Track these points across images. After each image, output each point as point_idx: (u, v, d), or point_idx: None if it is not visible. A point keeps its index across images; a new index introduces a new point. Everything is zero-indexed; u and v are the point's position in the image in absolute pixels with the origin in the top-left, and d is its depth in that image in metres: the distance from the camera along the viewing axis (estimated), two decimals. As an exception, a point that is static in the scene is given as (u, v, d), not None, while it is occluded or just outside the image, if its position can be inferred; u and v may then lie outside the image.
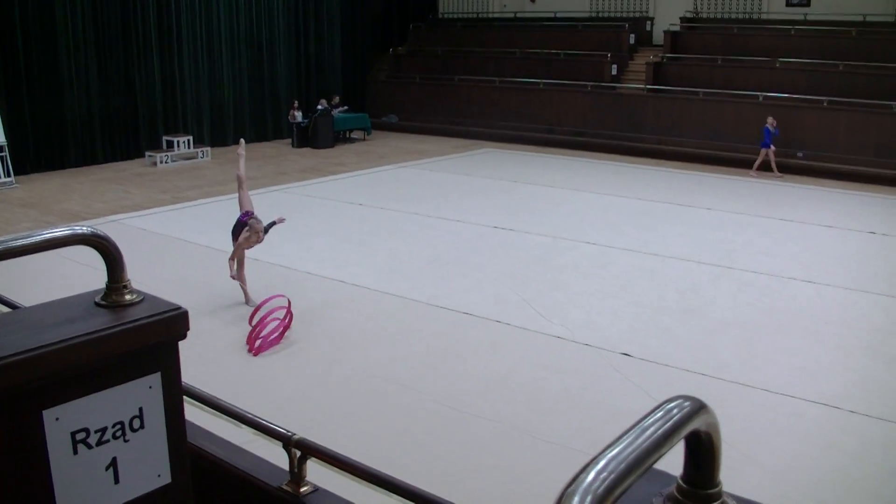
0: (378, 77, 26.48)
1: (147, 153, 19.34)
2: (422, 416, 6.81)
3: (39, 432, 1.72)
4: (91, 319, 1.84)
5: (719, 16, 22.28)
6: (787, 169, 17.61)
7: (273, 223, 9.33)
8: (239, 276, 9.34)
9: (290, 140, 22.09)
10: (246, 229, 9.07)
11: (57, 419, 1.75)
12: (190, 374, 2.46)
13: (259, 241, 9.17)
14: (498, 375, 7.62)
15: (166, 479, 1.99)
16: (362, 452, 3.47)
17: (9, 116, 16.84)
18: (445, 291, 9.93)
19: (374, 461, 2.78)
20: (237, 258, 9.27)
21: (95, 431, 1.82)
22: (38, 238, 1.85)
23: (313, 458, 2.70)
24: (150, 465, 1.95)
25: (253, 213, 9.25)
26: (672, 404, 1.11)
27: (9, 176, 16.41)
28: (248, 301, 9.30)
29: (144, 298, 1.96)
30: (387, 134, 23.75)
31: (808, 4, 20.75)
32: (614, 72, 22.19)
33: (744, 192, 15.81)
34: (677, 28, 22.14)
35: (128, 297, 1.94)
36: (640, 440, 1.02)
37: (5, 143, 16.25)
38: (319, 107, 21.64)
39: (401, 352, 8.19)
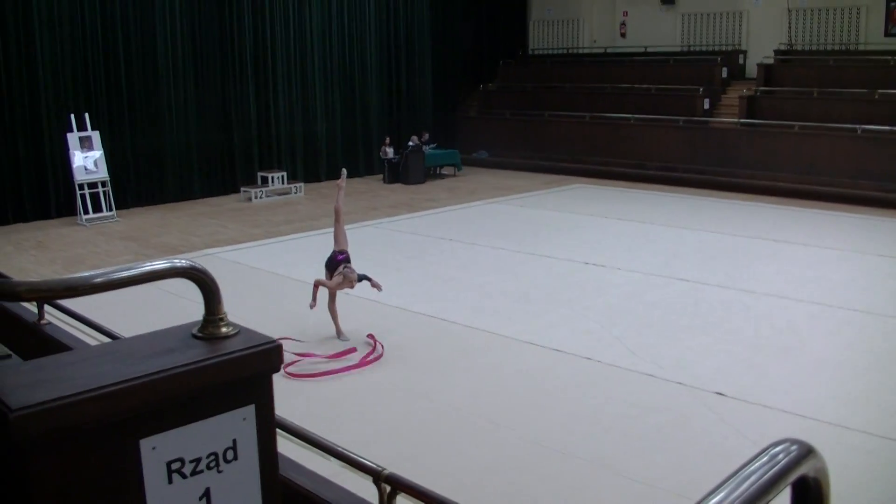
0: (468, 113, 26.63)
1: (242, 188, 19.77)
2: (510, 453, 6.76)
3: (136, 461, 1.75)
4: (188, 351, 1.87)
5: (814, 48, 21.86)
6: (886, 204, 17.10)
7: (369, 279, 9.41)
8: (331, 309, 9.43)
9: (381, 176, 22.32)
10: (338, 274, 9.18)
11: (153, 448, 1.77)
12: (278, 406, 2.48)
13: (351, 287, 9.28)
14: (587, 413, 7.52)
15: (258, 510, 2.00)
16: (449, 488, 3.44)
17: (111, 151, 17.41)
18: (534, 327, 9.87)
19: (460, 497, 2.76)
20: (329, 294, 9.37)
21: (190, 461, 1.84)
22: (140, 271, 1.89)
23: (403, 494, 2.70)
24: (242, 496, 1.96)
25: (347, 254, 9.36)
26: (778, 448, 1.07)
27: (111, 210, 16.95)
28: (339, 335, 9.39)
29: (240, 331, 1.99)
30: (477, 170, 23.83)
31: (908, 35, 20.24)
32: (706, 106, 21.91)
33: (841, 227, 15.39)
34: (771, 61, 21.78)
35: (224, 329, 1.97)
36: (744, 486, 0.98)
37: (108, 179, 16.79)
38: (411, 143, 21.85)
39: (489, 387, 8.15)
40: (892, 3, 20.43)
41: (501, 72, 27.23)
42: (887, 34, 20.62)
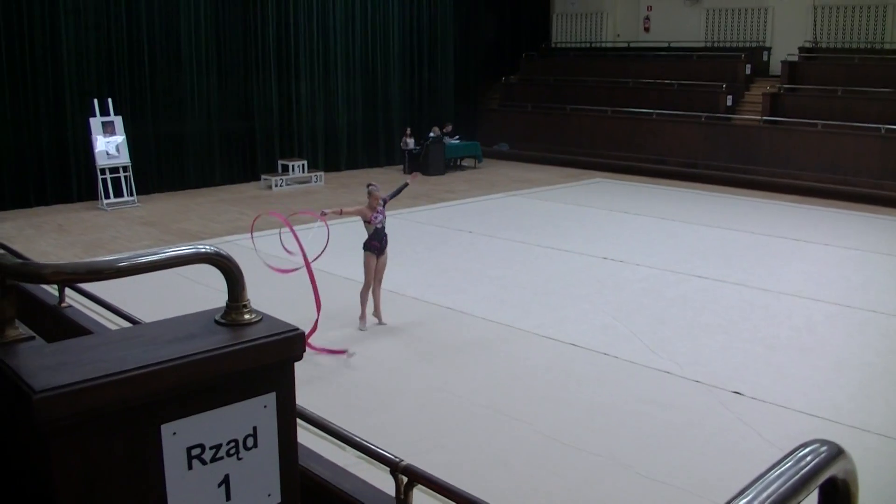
0: (490, 105, 26.60)
1: (263, 176, 19.82)
2: (525, 447, 6.75)
3: (157, 446, 1.75)
4: (211, 337, 1.87)
5: (839, 45, 21.69)
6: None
7: (403, 186, 9.91)
8: (363, 295, 9.55)
9: (401, 167, 22.31)
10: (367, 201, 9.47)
11: (174, 434, 1.78)
12: (299, 396, 2.49)
13: (375, 208, 9.43)
14: (603, 408, 7.51)
15: (276, 498, 2.00)
16: (464, 481, 3.44)
17: (134, 137, 17.47)
18: (552, 321, 9.85)
19: (476, 490, 2.76)
20: (366, 280, 9.47)
21: (210, 448, 1.84)
22: (164, 256, 1.90)
23: (420, 486, 2.70)
24: (261, 483, 1.97)
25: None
26: (806, 450, 1.06)
27: (132, 195, 17.02)
28: (361, 324, 9.47)
29: (263, 318, 1.99)
30: (497, 162, 23.80)
31: (935, 35, 20.05)
32: (729, 102, 21.80)
33: (863, 227, 15.28)
34: (795, 58, 21.64)
35: (247, 316, 1.97)
36: (772, 488, 0.98)
37: (129, 164, 16.86)
38: (432, 134, 21.82)
39: (505, 380, 8.15)
40: (920, 3, 20.26)
41: (523, 65, 27.18)
42: (913, 33, 20.45)
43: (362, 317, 9.54)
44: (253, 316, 1.97)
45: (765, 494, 0.97)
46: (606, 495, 6.03)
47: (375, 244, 9.46)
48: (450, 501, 2.63)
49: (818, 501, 1.12)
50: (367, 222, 9.49)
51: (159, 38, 18.21)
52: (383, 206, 9.53)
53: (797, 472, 1.01)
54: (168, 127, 18.61)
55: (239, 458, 1.90)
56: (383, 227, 9.52)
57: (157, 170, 18.57)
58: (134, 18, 17.79)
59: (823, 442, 1.07)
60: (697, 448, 6.68)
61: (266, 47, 20.31)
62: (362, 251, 9.57)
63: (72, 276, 1.96)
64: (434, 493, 2.68)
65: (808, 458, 1.04)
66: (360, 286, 9.66)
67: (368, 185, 9.68)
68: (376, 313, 9.67)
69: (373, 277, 9.47)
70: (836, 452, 1.06)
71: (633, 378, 8.20)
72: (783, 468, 1.02)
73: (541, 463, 6.49)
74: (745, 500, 0.96)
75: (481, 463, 6.42)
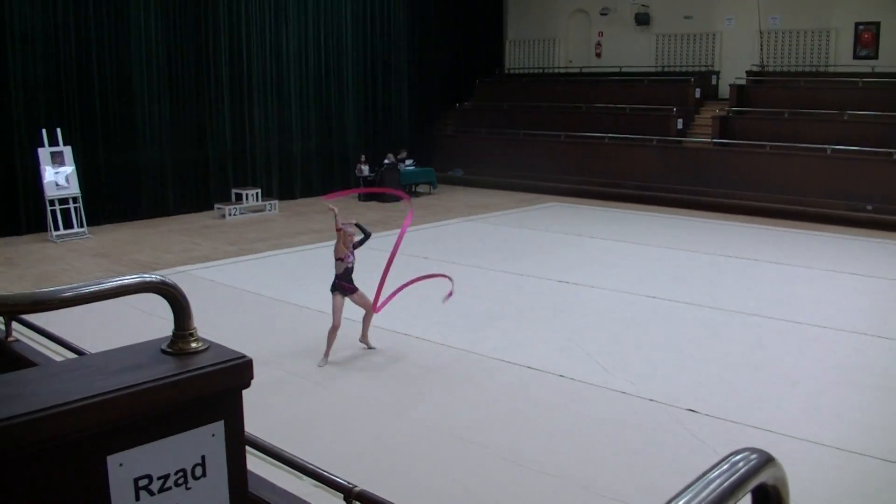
0: (444, 131, 26.70)
1: (216, 205, 19.69)
2: (483, 471, 6.75)
3: (103, 478, 1.74)
4: (157, 366, 1.87)
5: (785, 69, 22.11)
6: (855, 222, 17.30)
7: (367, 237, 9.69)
8: (330, 335, 9.28)
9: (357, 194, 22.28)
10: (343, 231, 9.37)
11: (121, 465, 1.76)
12: (250, 423, 2.47)
13: (348, 241, 9.34)
14: (561, 430, 7.53)
15: (227, 528, 1.99)
16: (423, 505, 3.44)
17: (84, 168, 17.30)
18: (508, 345, 9.88)
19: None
20: (335, 316, 9.28)
21: (158, 478, 1.83)
22: (109, 285, 1.89)
23: (373, 511, 2.69)
24: (211, 513, 1.95)
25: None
26: (738, 457, 1.09)
27: (82, 226, 16.81)
28: (323, 359, 9.25)
29: (210, 347, 1.98)
30: (453, 188, 23.88)
31: (876, 57, 20.50)
32: (680, 126, 22.11)
33: (811, 245, 15.54)
34: (743, 81, 22.01)
35: (194, 344, 1.96)
36: (705, 493, 1.00)
37: (79, 195, 16.67)
38: (386, 161, 21.85)
39: (462, 405, 8.15)
40: (861, 27, 20.72)
41: (478, 90, 27.36)
42: (856, 56, 20.90)
43: (326, 354, 9.28)
44: (200, 344, 1.97)
45: (699, 498, 0.99)
46: (564, 517, 6.04)
47: (345, 285, 9.31)
48: (404, 526, 2.63)
49: (751, 507, 1.14)
50: (339, 259, 9.33)
51: (110, 66, 18.07)
52: (353, 251, 9.41)
53: (729, 478, 1.04)
54: (119, 156, 18.42)
55: (187, 488, 1.89)
56: (352, 268, 9.40)
57: (108, 200, 18.34)
58: (84, 47, 17.64)
59: (754, 450, 1.10)
60: (654, 466, 6.72)
61: (219, 75, 20.25)
62: (330, 293, 9.38)
63: (15, 308, 1.94)
64: (388, 519, 2.67)
65: (740, 465, 1.06)
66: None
67: (338, 226, 9.54)
68: (364, 339, 9.64)
69: (340, 317, 9.29)
70: (766, 460, 1.09)
71: (589, 399, 8.24)
72: (716, 473, 1.05)
73: (499, 486, 6.49)
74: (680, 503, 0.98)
75: (439, 488, 6.41)
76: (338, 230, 9.43)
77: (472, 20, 27.47)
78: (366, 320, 9.60)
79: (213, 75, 20.14)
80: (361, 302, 9.44)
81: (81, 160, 17.21)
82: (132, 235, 17.10)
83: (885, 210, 17.34)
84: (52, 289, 1.83)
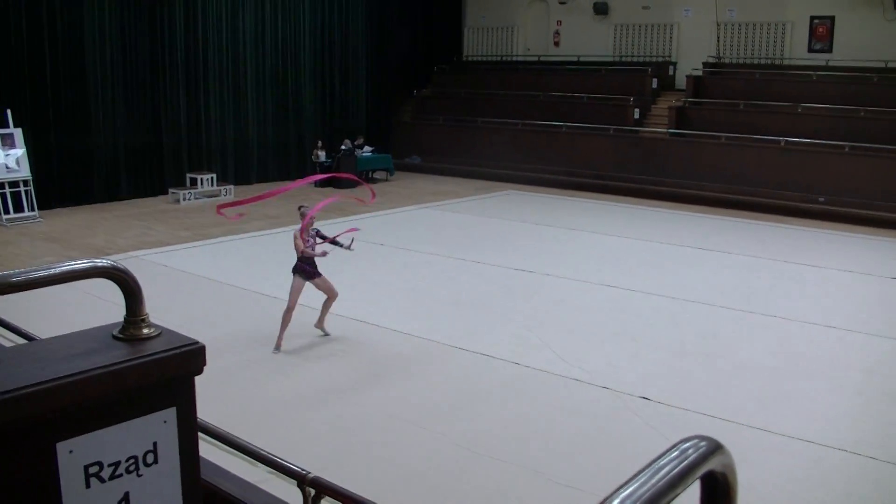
0: (402, 118, 26.66)
1: (171, 190, 19.49)
2: (438, 457, 6.77)
3: (53, 465, 1.71)
4: (108, 352, 1.84)
5: (742, 61, 22.32)
6: (808, 214, 17.56)
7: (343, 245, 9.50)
8: (284, 317, 9.23)
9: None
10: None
11: (71, 452, 1.74)
12: (205, 411, 2.46)
13: (308, 225, 9.18)
14: (515, 417, 7.57)
15: (178, 515, 1.98)
16: (377, 493, 3.44)
17: (35, 151, 17.01)
18: (464, 332, 9.90)
19: (387, 501, 2.76)
20: (290, 302, 9.22)
21: (109, 465, 1.81)
22: (59, 270, 1.86)
23: (328, 498, 2.69)
24: (162, 501, 1.94)
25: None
26: (688, 444, 1.10)
27: (33, 210, 16.56)
28: (277, 346, 9.20)
29: (162, 332, 1.96)
30: (410, 175, 23.86)
31: (830, 50, 20.77)
32: (637, 115, 22.25)
33: (764, 236, 15.74)
34: (700, 73, 22.20)
35: (145, 330, 1.94)
36: (654, 479, 1.01)
37: (30, 178, 16.41)
38: (343, 147, 21.76)
39: (418, 392, 8.16)
40: (816, 21, 20.98)
41: (436, 78, 27.33)
42: (811, 50, 21.17)
43: (279, 342, 9.22)
44: (152, 330, 1.94)
45: (648, 485, 1.00)
46: (518, 502, 6.08)
47: (307, 268, 9.26)
48: (358, 513, 2.63)
49: (700, 493, 1.16)
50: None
51: (62, 49, 17.76)
52: (314, 239, 9.28)
53: (679, 465, 1.05)
54: (72, 140, 18.14)
55: (139, 475, 1.87)
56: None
57: (60, 184, 18.06)
58: (36, 29, 17.30)
59: (703, 437, 1.11)
60: (607, 453, 6.78)
61: (174, 59, 20.00)
62: (292, 275, 9.32)
63: (-38, 293, 1.90)
64: (342, 505, 2.67)
65: (690, 452, 1.08)
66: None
67: (300, 208, 9.45)
68: (319, 324, 9.56)
69: (296, 301, 9.24)
70: (715, 447, 1.10)
71: (544, 387, 8.29)
72: (665, 460, 1.06)
73: (453, 472, 6.51)
74: (629, 490, 0.99)
75: (394, 474, 6.42)
76: (302, 217, 9.28)
77: (430, 7, 27.44)
78: (325, 306, 9.52)
79: (169, 59, 19.89)
80: (324, 287, 9.39)
81: (33, 143, 16.91)
82: (85, 220, 16.87)
83: (837, 202, 17.62)
84: (1, 273, 1.80)
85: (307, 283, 9.28)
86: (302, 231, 9.18)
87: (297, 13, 22.91)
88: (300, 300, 9.28)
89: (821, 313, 10.75)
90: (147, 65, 19.44)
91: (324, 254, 9.30)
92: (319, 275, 9.36)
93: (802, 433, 7.17)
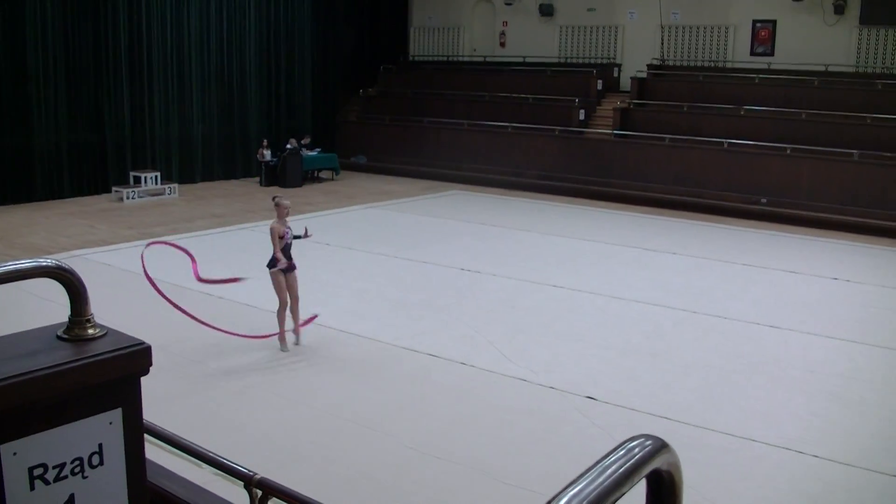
0: (348, 118, 26.56)
1: (114, 188, 19.22)
2: (385, 458, 6.77)
3: (-4, 467, 1.70)
4: (53, 353, 1.82)
5: (686, 63, 22.60)
6: (751, 215, 17.85)
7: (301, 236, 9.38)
8: (279, 316, 9.16)
9: (258, 178, 22.03)
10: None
11: (15, 454, 1.72)
12: (151, 412, 2.44)
13: (284, 220, 9.13)
14: (462, 417, 7.59)
15: (125, 517, 1.96)
16: (324, 494, 3.43)
17: (-27, 148, 16.69)
18: (411, 333, 9.90)
19: (335, 502, 2.76)
20: (280, 300, 9.13)
21: (54, 467, 1.79)
22: (2, 269, 1.83)
23: (275, 499, 2.68)
24: (108, 503, 1.92)
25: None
26: (633, 443, 1.12)
27: (-28, 208, 16.24)
28: (281, 344, 9.16)
29: (107, 333, 1.94)
30: (355, 174, 23.79)
31: (772, 54, 21.11)
32: (582, 117, 22.41)
33: (708, 237, 15.97)
34: (644, 75, 22.43)
35: (91, 331, 1.92)
36: (601, 478, 1.03)
37: (-31, 176, 16.09)
38: (288, 146, 21.63)
39: (365, 393, 8.15)
40: (758, 24, 21.31)
41: (382, 77, 27.26)
42: (753, 53, 21.49)
43: (282, 337, 9.18)
44: (97, 331, 1.93)
45: (595, 484, 1.02)
46: (466, 502, 6.10)
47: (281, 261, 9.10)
48: (306, 514, 2.62)
49: (646, 491, 1.18)
50: (280, 237, 9.07)
51: (2, 44, 17.42)
52: (290, 230, 9.19)
53: (625, 464, 1.07)
54: (12, 138, 17.80)
55: (84, 477, 1.86)
56: (290, 245, 9.21)
57: (0, 181, 17.73)
58: (-26, 26, 16.99)
59: (648, 436, 1.13)
60: (554, 453, 6.83)
61: (118, 56, 19.70)
62: (268, 270, 9.18)
63: None
64: (290, 506, 2.66)
65: (636, 451, 1.10)
66: (276, 307, 9.26)
67: (274, 198, 9.39)
68: (295, 331, 9.37)
69: (286, 295, 9.15)
70: (661, 446, 1.12)
71: (490, 387, 8.32)
72: (612, 459, 1.07)
73: (402, 473, 6.52)
74: (576, 489, 1.01)
75: (342, 475, 6.40)
76: (277, 207, 9.19)
77: (376, 6, 27.40)
78: (295, 311, 9.32)
79: (112, 56, 19.59)
80: (294, 284, 9.26)
81: (-30, 141, 16.60)
82: (25, 218, 16.57)
83: (779, 203, 17.93)
84: (-59, 273, 1.77)
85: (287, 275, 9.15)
86: (279, 222, 9.12)
87: (243, 10, 22.70)
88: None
89: (764, 314, 10.92)
90: (90, 61, 19.14)
91: (287, 264, 9.14)
92: (295, 267, 9.26)
93: (746, 432, 7.29)
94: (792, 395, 8.27)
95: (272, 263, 9.13)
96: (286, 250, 9.16)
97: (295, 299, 9.28)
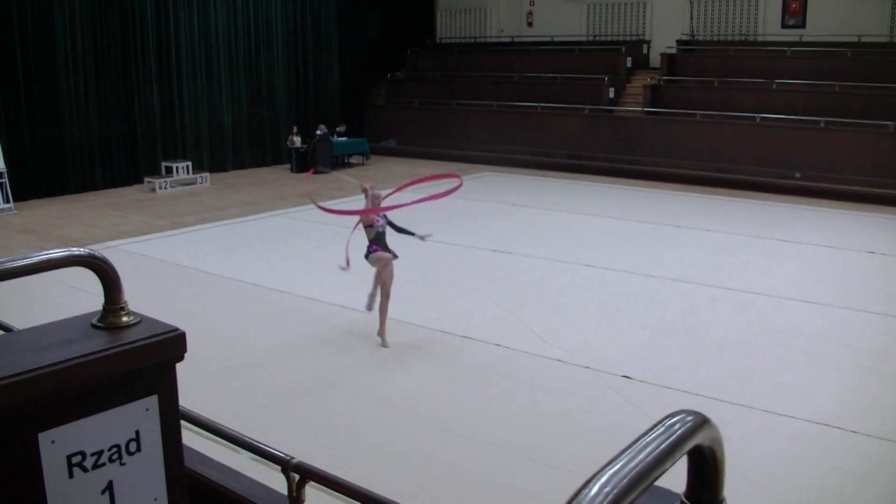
0: (376, 102, 26.56)
1: (146, 179, 19.37)
2: (421, 440, 6.78)
3: (35, 455, 1.70)
4: (88, 341, 1.83)
5: (715, 38, 22.37)
6: (784, 190, 17.66)
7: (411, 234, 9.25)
8: (382, 307, 8.89)
9: (289, 165, 22.11)
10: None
11: (53, 442, 1.73)
12: (186, 398, 2.44)
13: (376, 202, 9.03)
14: (497, 398, 7.58)
15: (163, 502, 1.97)
16: (361, 476, 3.43)
17: (9, 143, 16.85)
18: (444, 315, 9.90)
19: (372, 485, 2.75)
20: (382, 291, 8.87)
21: (91, 454, 1.80)
22: (36, 259, 1.84)
23: (312, 483, 2.68)
24: (146, 489, 1.93)
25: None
26: (674, 419, 1.10)
27: (8, 202, 16.41)
28: (382, 340, 8.89)
29: (142, 320, 1.95)
30: (385, 158, 23.79)
31: (803, 26, 20.84)
32: (612, 95, 22.26)
33: (742, 213, 15.82)
34: (674, 51, 22.22)
35: (125, 318, 1.92)
36: (642, 455, 1.01)
37: (4, 170, 16.26)
38: (318, 132, 21.67)
39: (399, 375, 8.16)
40: (788, -5, 21.05)
41: (409, 61, 27.21)
42: (784, 26, 21.22)
43: (384, 331, 8.90)
44: (131, 318, 1.93)
45: (635, 461, 1.00)
46: (502, 483, 6.09)
47: (381, 250, 8.89)
48: (343, 496, 2.62)
49: (687, 468, 1.16)
50: (368, 226, 8.87)
51: (32, 39, 17.53)
52: (384, 218, 8.98)
53: (666, 440, 1.05)
54: (45, 131, 17.96)
55: (122, 464, 1.86)
56: (384, 232, 8.99)
57: (34, 176, 17.90)
58: (5, 21, 17.07)
59: (689, 412, 1.11)
60: (590, 433, 6.81)
61: (146, 47, 19.82)
62: (367, 261, 8.98)
63: (-63, 284, 1.88)
64: (327, 490, 2.66)
65: (677, 427, 1.08)
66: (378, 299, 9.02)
67: (363, 186, 9.19)
68: (381, 332, 8.99)
69: (391, 283, 8.88)
70: (702, 421, 1.10)
71: (525, 367, 8.30)
72: (652, 436, 1.05)
73: (437, 455, 6.52)
74: (616, 467, 0.99)
75: (377, 458, 6.42)
76: (364, 191, 9.04)
77: (402, -11, 27.31)
78: (383, 307, 8.95)
79: (140, 47, 19.70)
80: (387, 274, 8.91)
81: (5, 135, 16.77)
82: (60, 211, 16.74)
83: (813, 177, 17.73)
84: (-23, 264, 1.78)
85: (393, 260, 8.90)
86: (371, 210, 8.89)
87: (269, -1, 22.77)
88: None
89: (799, 289, 10.81)
90: (118, 54, 19.25)
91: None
92: (395, 256, 9.01)
93: (783, 408, 7.22)
94: (828, 371, 8.19)
95: (369, 255, 8.90)
96: (380, 238, 8.89)
97: (387, 296, 8.93)
